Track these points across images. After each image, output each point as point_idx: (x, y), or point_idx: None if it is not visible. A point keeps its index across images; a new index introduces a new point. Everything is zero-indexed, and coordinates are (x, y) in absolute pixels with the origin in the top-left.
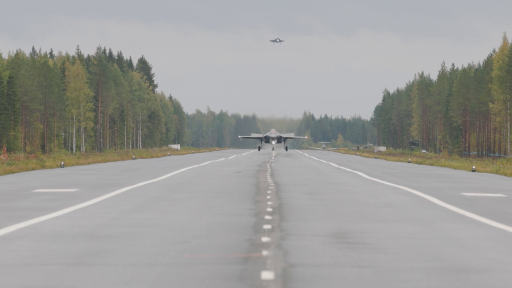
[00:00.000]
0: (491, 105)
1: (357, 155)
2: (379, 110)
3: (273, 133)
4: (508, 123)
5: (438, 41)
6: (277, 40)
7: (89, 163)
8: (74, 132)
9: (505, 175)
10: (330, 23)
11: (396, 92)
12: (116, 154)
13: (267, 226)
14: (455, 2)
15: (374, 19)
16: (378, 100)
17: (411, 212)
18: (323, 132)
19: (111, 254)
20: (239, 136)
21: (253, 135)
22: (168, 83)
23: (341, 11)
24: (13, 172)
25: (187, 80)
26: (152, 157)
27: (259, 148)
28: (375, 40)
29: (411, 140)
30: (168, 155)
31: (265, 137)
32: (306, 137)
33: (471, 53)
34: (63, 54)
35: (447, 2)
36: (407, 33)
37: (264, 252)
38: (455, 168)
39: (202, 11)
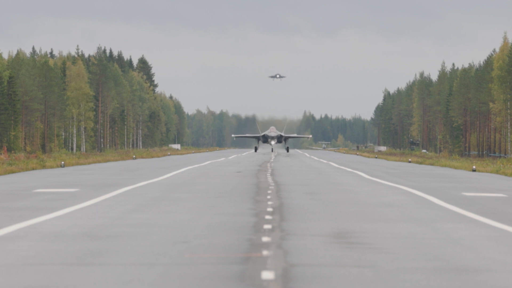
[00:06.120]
0: (491, 105)
1: (357, 155)
2: (379, 110)
3: (272, 131)
4: (509, 123)
5: (438, 41)
6: (277, 76)
7: (89, 163)
8: (75, 132)
9: (506, 175)
10: (331, 23)
11: (396, 92)
12: (117, 154)
13: (267, 226)
14: (455, 3)
15: (373, 19)
16: (378, 100)
17: (411, 212)
18: (324, 132)
19: (112, 254)
20: (233, 135)
21: (248, 134)
22: (168, 83)
23: (338, 11)
24: (13, 172)
25: (187, 80)
26: (152, 157)
27: (255, 149)
28: (375, 40)
29: (411, 140)
30: (168, 155)
31: (263, 136)
32: (310, 136)
33: (471, 53)
34: (64, 54)
35: (447, 2)
36: (407, 33)
37: (265, 252)
38: (455, 168)
39: (202, 12)
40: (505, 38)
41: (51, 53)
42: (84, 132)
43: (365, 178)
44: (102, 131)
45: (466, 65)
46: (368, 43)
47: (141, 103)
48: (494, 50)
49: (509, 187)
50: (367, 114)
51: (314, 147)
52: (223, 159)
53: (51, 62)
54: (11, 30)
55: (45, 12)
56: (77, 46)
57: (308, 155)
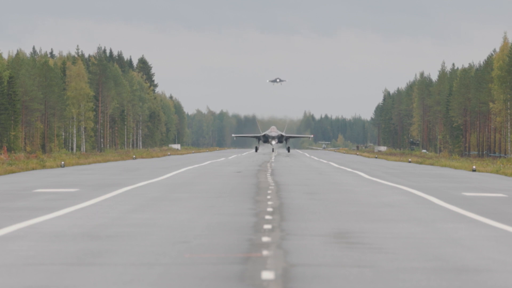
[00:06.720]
0: (491, 105)
1: (357, 155)
2: (379, 110)
3: (273, 131)
4: (509, 123)
5: (438, 41)
6: (277, 80)
7: (89, 163)
8: (75, 132)
9: (506, 175)
10: (330, 23)
11: (396, 92)
12: (117, 154)
13: (267, 226)
14: (455, 3)
15: (373, 19)
16: (378, 100)
17: (411, 212)
18: (324, 132)
19: (112, 254)
20: (233, 135)
21: (249, 134)
22: (168, 83)
23: (338, 11)
24: (13, 172)
25: (187, 80)
26: (152, 157)
27: (256, 149)
28: (375, 40)
29: (411, 140)
30: (168, 155)
31: (264, 136)
32: (312, 136)
33: (471, 53)
34: (64, 54)
35: (447, 2)
36: (407, 33)
37: (265, 252)
38: (455, 168)
39: (202, 12)
40: (505, 38)
41: (51, 53)
42: (84, 132)
43: (365, 178)
44: (102, 131)
45: (466, 65)
46: (367, 43)
47: (141, 103)
48: (494, 50)
49: (509, 187)
50: (367, 114)
51: (314, 147)
52: (223, 159)
53: (51, 62)
54: (11, 30)
55: (45, 12)
56: (77, 46)
57: (308, 155)
